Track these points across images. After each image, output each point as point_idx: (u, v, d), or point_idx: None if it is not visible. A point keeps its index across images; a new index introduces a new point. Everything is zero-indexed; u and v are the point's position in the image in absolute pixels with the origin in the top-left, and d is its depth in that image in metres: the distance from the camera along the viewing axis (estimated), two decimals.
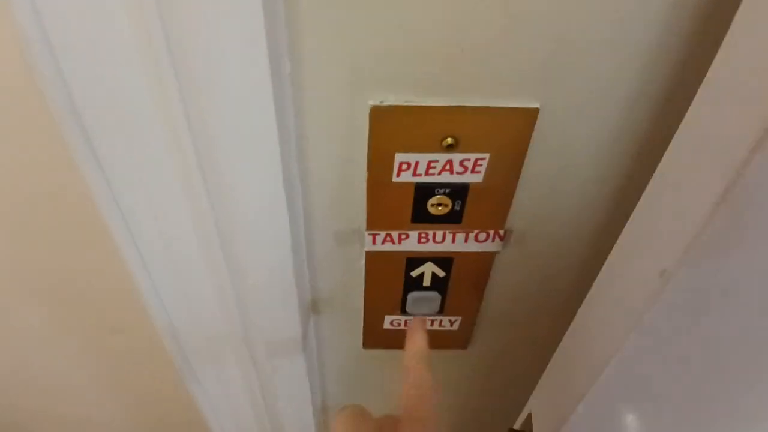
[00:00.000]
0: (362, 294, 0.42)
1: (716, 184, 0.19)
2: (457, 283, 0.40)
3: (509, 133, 0.30)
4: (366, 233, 0.36)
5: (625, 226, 0.26)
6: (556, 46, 0.26)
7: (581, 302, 0.34)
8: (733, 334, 0.24)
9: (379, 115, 0.29)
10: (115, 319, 0.97)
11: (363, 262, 0.39)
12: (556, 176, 0.33)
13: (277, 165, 0.29)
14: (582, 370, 0.30)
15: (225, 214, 0.32)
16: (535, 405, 0.39)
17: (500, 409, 0.54)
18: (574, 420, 0.33)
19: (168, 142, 0.28)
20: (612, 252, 0.27)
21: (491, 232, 0.36)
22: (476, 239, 0.36)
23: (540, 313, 0.44)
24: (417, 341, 0.33)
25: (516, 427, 0.43)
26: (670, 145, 0.22)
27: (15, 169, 0.56)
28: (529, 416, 0.40)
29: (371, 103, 0.29)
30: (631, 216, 0.25)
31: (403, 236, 0.36)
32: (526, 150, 0.31)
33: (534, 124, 0.30)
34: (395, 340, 0.46)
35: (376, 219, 0.35)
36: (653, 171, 0.26)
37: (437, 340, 0.46)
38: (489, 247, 0.37)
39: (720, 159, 0.19)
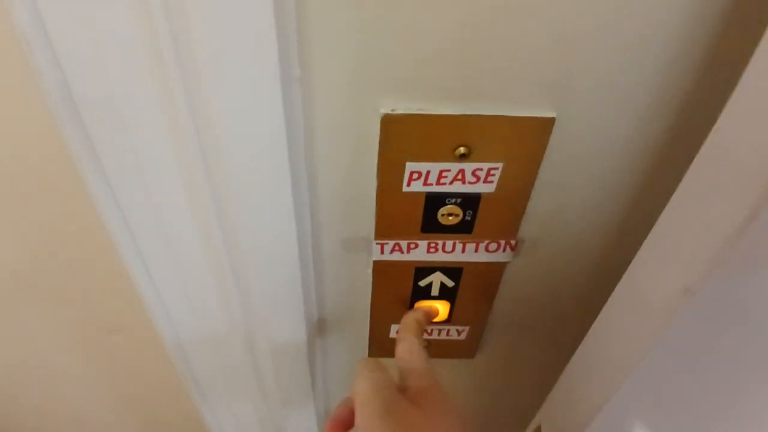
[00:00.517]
0: (369, 302, 0.41)
1: (745, 201, 0.18)
2: (466, 292, 0.39)
3: (524, 142, 0.29)
4: (374, 242, 0.35)
5: (646, 240, 0.25)
6: (573, 55, 0.26)
7: (591, 312, 0.33)
8: (754, 352, 0.23)
9: (390, 123, 0.28)
10: (113, 319, 0.97)
11: (370, 270, 0.38)
12: (570, 186, 0.32)
13: (285, 171, 0.28)
14: (598, 383, 0.30)
15: (231, 221, 0.31)
16: (546, 417, 0.39)
17: (507, 419, 0.53)
18: None
19: (174, 149, 0.28)
20: (632, 265, 0.27)
21: (502, 242, 0.35)
22: (487, 249, 0.36)
23: (549, 323, 0.43)
24: (409, 314, 0.35)
25: None
26: (695, 159, 0.22)
27: (15, 166, 0.56)
28: (538, 429, 0.39)
29: (382, 111, 0.28)
30: (653, 229, 0.25)
31: (412, 246, 0.36)
32: (541, 160, 0.30)
33: (550, 133, 0.29)
34: None
35: (385, 228, 0.35)
36: (668, 182, 0.26)
37: (444, 350, 0.46)
38: (500, 257, 0.36)
39: (749, 176, 0.19)
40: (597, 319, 0.31)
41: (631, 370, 0.26)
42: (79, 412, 1.26)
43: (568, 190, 0.32)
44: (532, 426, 0.41)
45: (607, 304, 0.29)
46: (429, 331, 0.43)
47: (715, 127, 0.21)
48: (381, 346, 0.45)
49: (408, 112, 0.28)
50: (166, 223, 0.32)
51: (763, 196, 0.18)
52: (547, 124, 0.29)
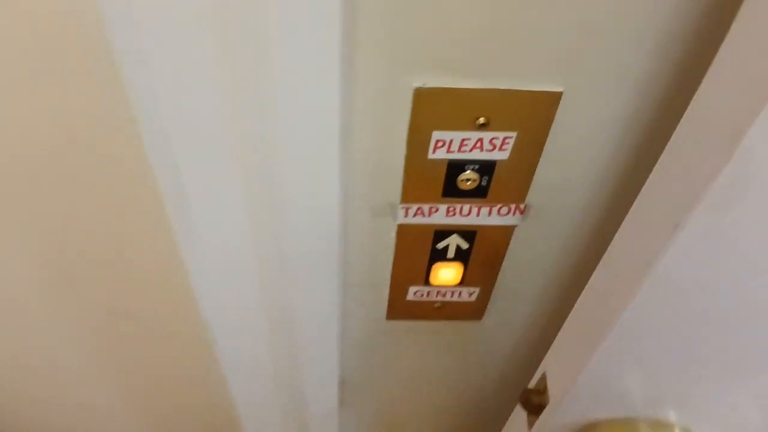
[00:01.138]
0: (390, 265, 0.46)
1: (723, 147, 0.23)
2: (478, 255, 0.44)
3: (535, 113, 0.34)
4: (399, 206, 0.40)
5: (642, 190, 0.30)
6: (580, 38, 0.30)
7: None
8: (738, 287, 0.28)
9: (421, 97, 0.33)
10: (123, 307, 1.00)
11: (394, 234, 0.42)
12: (575, 154, 0.37)
13: (335, 140, 0.33)
14: (595, 324, 0.34)
15: (278, 181, 0.35)
16: (549, 364, 0.43)
17: (514, 376, 0.58)
18: (587, 374, 0.36)
19: (232, 107, 0.31)
20: (629, 213, 0.31)
21: (513, 206, 0.40)
22: (499, 213, 0.40)
23: (552, 286, 0.48)
24: None
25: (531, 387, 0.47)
26: (682, 119, 0.26)
27: (23, 158, 0.59)
28: (543, 376, 0.44)
29: (415, 85, 0.32)
30: (647, 181, 0.29)
31: (434, 210, 0.40)
32: (549, 129, 0.35)
33: (557, 105, 0.34)
34: (418, 312, 0.50)
35: (410, 193, 0.39)
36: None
37: (455, 311, 0.50)
38: (510, 220, 0.41)
39: (722, 129, 0.23)
40: (596, 269, 0.36)
41: (624, 306, 0.31)
42: (85, 402, 1.28)
43: (573, 157, 0.37)
44: (538, 374, 0.46)
45: (606, 252, 0.34)
46: (442, 293, 0.48)
47: (697, 93, 0.26)
48: (398, 308, 0.50)
49: (437, 86, 0.33)
50: (214, 181, 0.36)
51: (734, 145, 0.22)
52: (555, 97, 0.33)
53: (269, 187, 0.36)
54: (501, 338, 0.53)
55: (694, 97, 0.26)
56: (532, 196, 0.40)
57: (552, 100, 0.33)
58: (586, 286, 0.37)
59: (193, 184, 0.36)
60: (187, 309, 0.98)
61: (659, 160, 0.29)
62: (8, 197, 0.78)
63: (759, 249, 0.26)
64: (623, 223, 0.32)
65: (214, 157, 0.34)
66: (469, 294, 0.48)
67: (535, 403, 0.44)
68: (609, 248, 0.33)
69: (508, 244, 0.43)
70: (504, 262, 0.45)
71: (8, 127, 0.65)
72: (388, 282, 0.47)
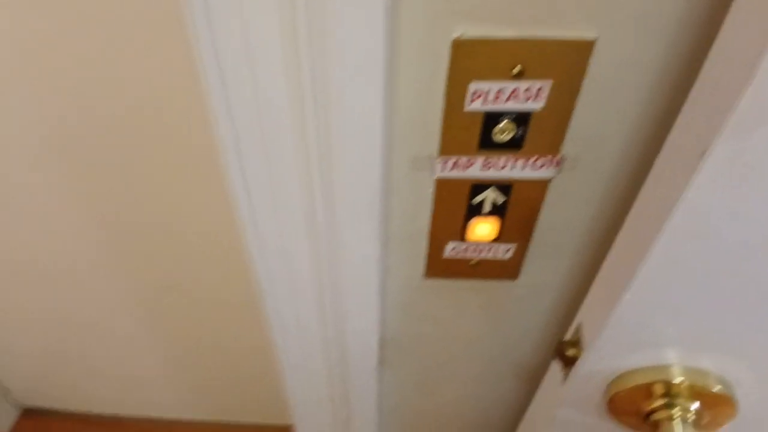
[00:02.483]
0: (428, 221, 0.47)
1: (744, 71, 0.24)
2: (514, 210, 0.45)
3: (569, 61, 0.35)
4: (437, 159, 0.42)
5: (672, 128, 0.31)
6: None
7: None
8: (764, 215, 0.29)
9: (459, 47, 0.35)
10: (168, 277, 1.06)
11: (432, 188, 0.44)
12: (610, 102, 0.38)
13: (379, 89, 0.35)
14: (626, 266, 0.35)
15: (327, 131, 0.38)
16: (584, 315, 0.44)
17: (552, 335, 0.59)
18: (617, 317, 0.37)
19: (285, 50, 0.34)
20: (660, 153, 0.32)
21: (548, 158, 0.41)
22: (534, 165, 0.42)
23: (591, 242, 0.49)
24: None
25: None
26: (708, 56, 0.27)
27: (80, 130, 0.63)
28: (578, 327, 0.45)
29: (454, 35, 0.34)
30: (678, 118, 0.30)
31: (470, 163, 0.42)
32: (583, 77, 0.36)
33: (591, 53, 0.35)
34: (454, 269, 0.52)
35: (448, 146, 0.41)
36: None
37: (489, 270, 0.52)
38: (545, 173, 0.42)
39: (746, 53, 0.24)
40: (630, 212, 0.37)
41: (653, 241, 0.31)
42: (132, 372, 1.36)
43: (607, 108, 0.38)
44: (573, 327, 0.47)
45: (639, 194, 0.35)
46: (479, 249, 0.49)
47: (722, 29, 0.26)
48: (436, 265, 0.52)
49: (474, 36, 0.34)
50: (266, 133, 0.39)
51: (754, 68, 0.23)
52: (589, 45, 0.34)
53: (317, 141, 0.39)
54: (538, 297, 0.54)
55: (719, 33, 0.26)
56: (568, 147, 0.41)
57: (585, 47, 0.34)
58: (619, 233, 0.38)
59: (249, 140, 0.39)
60: (235, 279, 1.03)
61: (689, 97, 0.29)
62: (74, 166, 0.84)
63: None
64: (655, 163, 0.33)
65: (266, 109, 0.37)
66: (505, 251, 0.49)
67: (569, 355, 0.45)
68: (641, 190, 0.34)
69: (543, 198, 0.45)
70: (540, 218, 0.47)
71: (77, 96, 0.70)
72: (426, 238, 0.49)
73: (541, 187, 0.44)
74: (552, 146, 0.40)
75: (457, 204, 0.45)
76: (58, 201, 0.91)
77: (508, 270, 0.52)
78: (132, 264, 1.04)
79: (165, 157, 0.81)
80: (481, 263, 0.51)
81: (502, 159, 0.41)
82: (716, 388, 0.39)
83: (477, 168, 0.42)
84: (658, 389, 0.40)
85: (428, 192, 0.45)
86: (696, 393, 0.39)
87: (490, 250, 0.49)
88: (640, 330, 0.38)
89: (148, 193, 0.89)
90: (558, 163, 0.42)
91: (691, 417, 0.40)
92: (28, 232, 0.99)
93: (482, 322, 0.59)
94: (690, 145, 0.28)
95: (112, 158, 0.83)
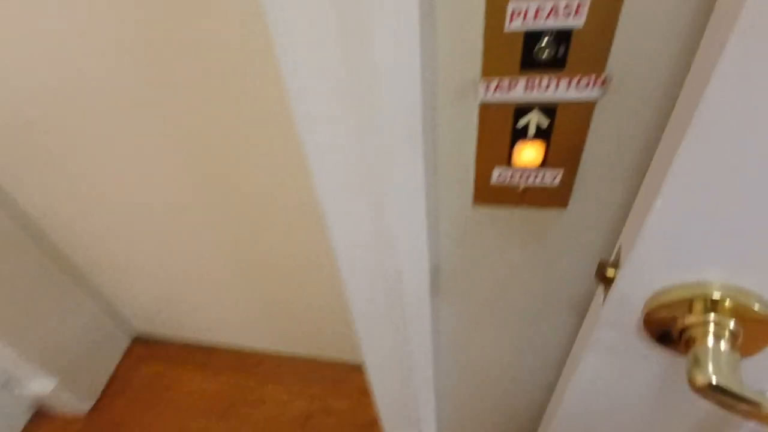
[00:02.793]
0: (474, 147, 0.50)
1: None
2: (560, 133, 0.47)
3: None
4: (480, 82, 0.44)
5: (703, 36, 0.31)
6: None
7: None
8: None
9: None
10: (263, 216, 1.16)
11: (476, 113, 0.47)
12: (652, 18, 0.38)
13: (415, 10, 0.38)
14: (660, 173, 0.36)
15: (365, 58, 0.41)
16: (624, 235, 0.45)
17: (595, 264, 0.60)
18: (652, 229, 0.38)
19: None
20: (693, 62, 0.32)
21: (592, 77, 0.42)
22: (578, 85, 0.42)
23: (639, 169, 0.49)
24: None
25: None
26: None
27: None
28: (619, 248, 0.46)
29: None
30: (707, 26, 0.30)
31: (513, 84, 0.43)
32: None
33: None
34: (502, 196, 0.54)
35: (490, 67, 0.43)
36: None
37: (537, 198, 0.53)
38: (589, 93, 0.43)
39: None
40: (663, 135, 0.37)
41: (680, 143, 0.32)
42: (225, 307, 1.51)
43: (650, 26, 0.38)
44: (616, 247, 0.48)
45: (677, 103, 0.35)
46: (526, 176, 0.51)
47: None
48: (484, 192, 0.54)
49: None
50: (312, 56, 0.43)
51: None
52: None
53: (359, 70, 0.43)
54: (589, 226, 0.55)
55: None
56: (612, 66, 0.41)
57: None
58: (659, 144, 0.38)
59: (306, 70, 0.44)
60: (313, 225, 1.11)
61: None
62: (164, 114, 0.95)
63: None
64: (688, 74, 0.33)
65: (312, 37, 0.42)
66: (552, 177, 0.51)
67: (609, 276, 0.46)
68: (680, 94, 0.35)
69: (589, 121, 0.45)
70: (587, 143, 0.47)
71: (160, 50, 0.79)
72: (473, 165, 0.52)
73: (585, 109, 0.44)
74: (595, 65, 0.41)
75: (501, 128, 0.47)
76: (173, 168, 1.04)
77: (557, 198, 0.53)
78: (224, 212, 1.16)
79: (243, 112, 0.88)
80: (529, 190, 0.53)
81: (544, 80, 0.43)
82: (756, 307, 0.39)
83: (520, 90, 0.44)
84: (694, 306, 0.41)
85: (473, 117, 0.47)
86: (733, 311, 0.40)
87: (536, 176, 0.51)
88: (674, 243, 0.38)
89: (236, 149, 0.98)
90: (602, 83, 0.42)
91: (726, 335, 0.40)
92: (140, 185, 1.13)
93: (533, 252, 0.60)
94: (715, 43, 0.28)
95: (203, 118, 0.92)
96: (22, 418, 1.58)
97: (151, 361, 1.70)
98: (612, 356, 0.51)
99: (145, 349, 1.75)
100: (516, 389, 0.89)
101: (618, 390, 0.56)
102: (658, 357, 0.49)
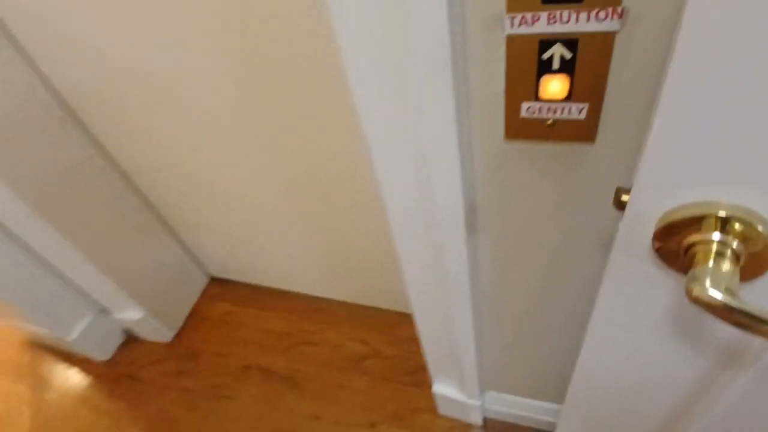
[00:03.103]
0: (503, 81, 0.54)
1: None
2: (583, 65, 0.49)
3: None
4: (506, 16, 0.48)
5: None
6: None
7: None
8: None
9: None
10: (323, 171, 1.25)
11: (503, 47, 0.50)
12: None
13: None
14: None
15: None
16: (637, 162, 0.48)
17: None
18: (656, 142, 0.41)
19: None
20: None
21: (609, 9, 0.44)
22: (597, 17, 0.45)
23: None
24: None
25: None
26: None
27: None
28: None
29: None
30: None
31: (536, 18, 0.47)
32: None
33: None
34: (532, 130, 0.58)
35: (513, 2, 0.46)
36: None
37: (566, 132, 0.56)
38: (609, 25, 0.45)
39: None
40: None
41: (676, 43, 0.35)
42: (292, 254, 1.63)
43: None
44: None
45: None
46: (553, 109, 0.54)
47: None
48: (514, 126, 0.58)
49: None
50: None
51: None
52: None
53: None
54: (615, 161, 0.58)
55: None
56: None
57: None
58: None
59: (353, 10, 0.50)
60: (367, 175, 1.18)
61: None
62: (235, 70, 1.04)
63: None
64: None
65: None
66: (579, 110, 0.54)
67: (624, 201, 0.49)
68: None
69: (610, 53, 0.48)
70: (609, 77, 0.50)
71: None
72: (503, 99, 0.56)
73: (606, 40, 0.47)
74: None
75: (527, 61, 0.51)
76: (241, 114, 1.14)
77: (584, 132, 0.56)
78: (289, 165, 1.25)
79: (296, 72, 0.96)
80: (558, 124, 0.56)
81: (565, 12, 0.46)
82: (759, 228, 0.41)
83: (543, 23, 0.47)
84: (698, 225, 0.43)
85: (500, 51, 0.51)
86: (737, 231, 0.42)
87: (563, 109, 0.54)
88: (678, 164, 0.41)
89: (294, 100, 1.06)
90: (620, 15, 0.44)
91: (728, 253, 0.42)
92: (217, 146, 1.25)
93: (563, 188, 0.64)
94: None
95: (269, 85, 1.01)
96: (117, 341, 1.82)
97: (225, 301, 1.88)
98: (628, 284, 0.54)
99: (220, 290, 1.93)
100: (550, 327, 0.93)
101: (636, 319, 0.59)
102: (673, 283, 0.51)
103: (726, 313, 0.40)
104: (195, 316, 1.86)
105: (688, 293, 0.42)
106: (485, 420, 1.38)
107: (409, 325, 1.64)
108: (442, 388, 1.30)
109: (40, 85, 1.27)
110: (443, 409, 1.41)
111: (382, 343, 1.62)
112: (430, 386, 1.44)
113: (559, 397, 1.18)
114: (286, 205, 1.42)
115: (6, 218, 1.37)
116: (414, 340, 1.60)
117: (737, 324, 0.41)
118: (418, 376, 1.52)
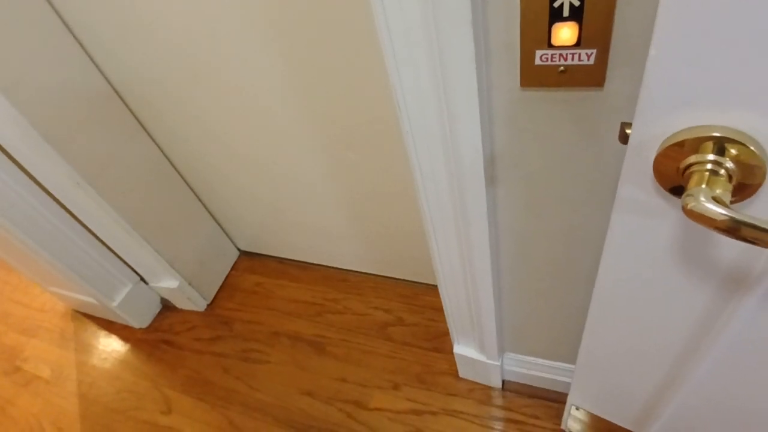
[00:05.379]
0: (518, 31, 0.59)
1: None
2: (590, 12, 0.54)
3: None
4: None
5: None
6: None
7: None
8: None
9: None
10: (351, 140, 1.31)
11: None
12: None
13: None
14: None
15: None
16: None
17: None
18: (650, 75, 0.46)
19: None
20: None
21: None
22: None
23: None
24: None
25: None
26: None
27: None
28: None
29: None
30: None
31: None
32: None
33: None
34: (545, 77, 0.63)
35: None
36: None
37: (574, 77, 0.61)
38: None
39: None
40: None
41: None
42: (320, 229, 1.71)
43: None
44: None
45: None
46: (564, 56, 0.59)
47: None
48: (529, 73, 0.63)
49: None
50: None
51: None
52: None
53: None
54: (624, 105, 0.62)
55: None
56: None
57: None
58: None
59: None
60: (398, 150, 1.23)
61: None
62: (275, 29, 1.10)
63: None
64: None
65: None
66: (588, 56, 0.58)
67: (628, 133, 0.54)
68: None
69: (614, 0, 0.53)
70: (615, 23, 0.55)
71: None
72: (518, 48, 0.61)
73: None
74: None
75: (539, 10, 0.56)
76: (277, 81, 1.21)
77: (593, 77, 0.61)
78: (323, 140, 1.32)
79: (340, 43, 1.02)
80: (568, 70, 0.61)
81: None
82: (752, 147, 0.45)
83: None
84: (693, 146, 0.48)
85: (515, 1, 0.56)
86: (731, 153, 0.46)
87: (573, 55, 0.59)
88: (674, 90, 0.45)
89: (333, 68, 1.12)
90: None
91: (722, 172, 0.47)
92: (253, 115, 1.32)
93: (577, 137, 0.68)
94: None
95: (308, 50, 1.07)
96: (155, 308, 1.93)
97: (255, 273, 1.97)
98: (634, 215, 0.59)
99: (250, 263, 2.03)
100: (568, 283, 0.97)
101: (643, 251, 0.63)
102: (676, 213, 0.56)
103: (720, 223, 0.45)
104: (227, 287, 1.95)
105: (684, 208, 0.47)
106: (504, 382, 1.44)
107: (431, 295, 1.70)
108: (463, 349, 1.36)
109: (90, 63, 1.37)
110: (463, 373, 1.47)
111: (404, 312, 1.68)
112: (451, 351, 1.50)
113: (575, 357, 1.23)
114: (313, 187, 1.49)
115: (57, 190, 1.48)
116: (435, 309, 1.66)
117: (729, 232, 0.45)
118: (439, 341, 1.58)
